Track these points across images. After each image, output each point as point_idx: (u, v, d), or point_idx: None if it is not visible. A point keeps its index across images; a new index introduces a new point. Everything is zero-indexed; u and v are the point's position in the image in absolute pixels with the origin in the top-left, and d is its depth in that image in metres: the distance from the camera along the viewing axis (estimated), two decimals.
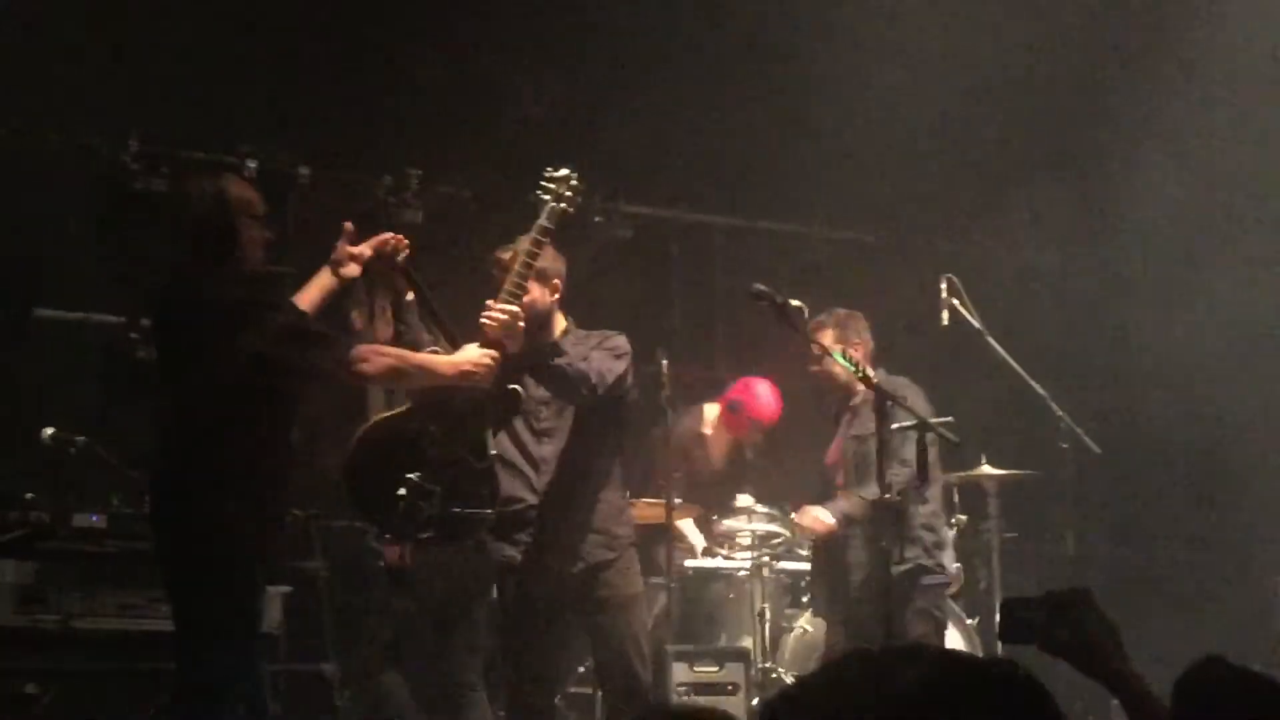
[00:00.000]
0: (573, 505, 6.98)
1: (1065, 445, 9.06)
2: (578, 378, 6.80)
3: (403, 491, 6.29)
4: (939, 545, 8.24)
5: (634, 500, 8.15)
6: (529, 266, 6.67)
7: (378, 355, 6.26)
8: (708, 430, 9.98)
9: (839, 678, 1.64)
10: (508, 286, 6.59)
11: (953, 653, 1.63)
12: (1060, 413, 8.92)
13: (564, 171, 6.89)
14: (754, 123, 11.04)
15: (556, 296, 7.07)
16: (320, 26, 10.20)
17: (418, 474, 6.32)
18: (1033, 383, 8.69)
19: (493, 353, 6.38)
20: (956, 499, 9.57)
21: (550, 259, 7.03)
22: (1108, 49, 10.84)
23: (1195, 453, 11.90)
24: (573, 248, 11.07)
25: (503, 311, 6.48)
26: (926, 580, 8.16)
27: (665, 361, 8.06)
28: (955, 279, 8.50)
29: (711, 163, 11.34)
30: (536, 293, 6.93)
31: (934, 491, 8.11)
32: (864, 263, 11.96)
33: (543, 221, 6.75)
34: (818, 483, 8.68)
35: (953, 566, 9.35)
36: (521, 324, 6.56)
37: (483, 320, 6.47)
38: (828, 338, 8.06)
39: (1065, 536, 9.64)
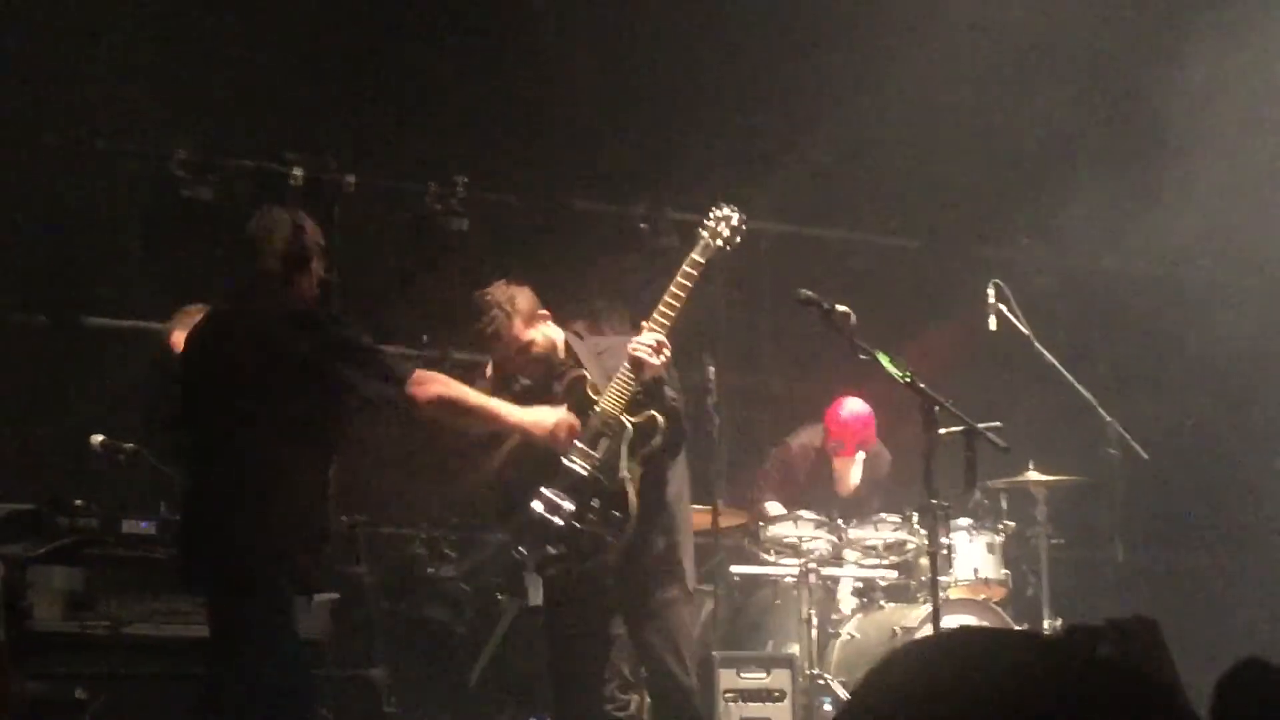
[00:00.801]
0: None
1: (1114, 451, 9.02)
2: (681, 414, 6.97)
3: (535, 505, 6.55)
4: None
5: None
6: (679, 297, 6.81)
7: (434, 382, 6.22)
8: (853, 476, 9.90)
9: (932, 665, 1.60)
10: (657, 316, 6.76)
11: (1067, 646, 1.59)
12: (1109, 418, 8.88)
13: (728, 210, 7.07)
14: (800, 129, 11.02)
15: (536, 326, 7.10)
16: (366, 34, 10.25)
17: (552, 490, 6.56)
18: (1080, 388, 8.66)
19: (573, 420, 6.55)
20: (1004, 505, 9.54)
21: (525, 298, 7.14)
22: (1156, 48, 10.76)
23: (1244, 457, 11.83)
24: (622, 256, 11.16)
25: (654, 340, 6.68)
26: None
27: (712, 367, 8.05)
28: (1002, 284, 8.47)
29: (758, 169, 11.32)
30: (537, 337, 7.07)
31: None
32: (910, 268, 11.94)
33: (695, 255, 6.90)
34: None
35: (1001, 572, 9.34)
36: (667, 352, 6.72)
37: (632, 349, 6.67)
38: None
39: (1114, 542, 9.59)
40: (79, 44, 9.43)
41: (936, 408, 6.73)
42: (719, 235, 6.95)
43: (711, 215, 7.07)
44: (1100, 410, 8.81)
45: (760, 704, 8.40)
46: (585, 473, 6.63)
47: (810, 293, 6.94)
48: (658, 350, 6.69)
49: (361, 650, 8.26)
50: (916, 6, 10.24)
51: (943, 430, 6.79)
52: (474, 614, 10.17)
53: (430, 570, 9.62)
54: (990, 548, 9.36)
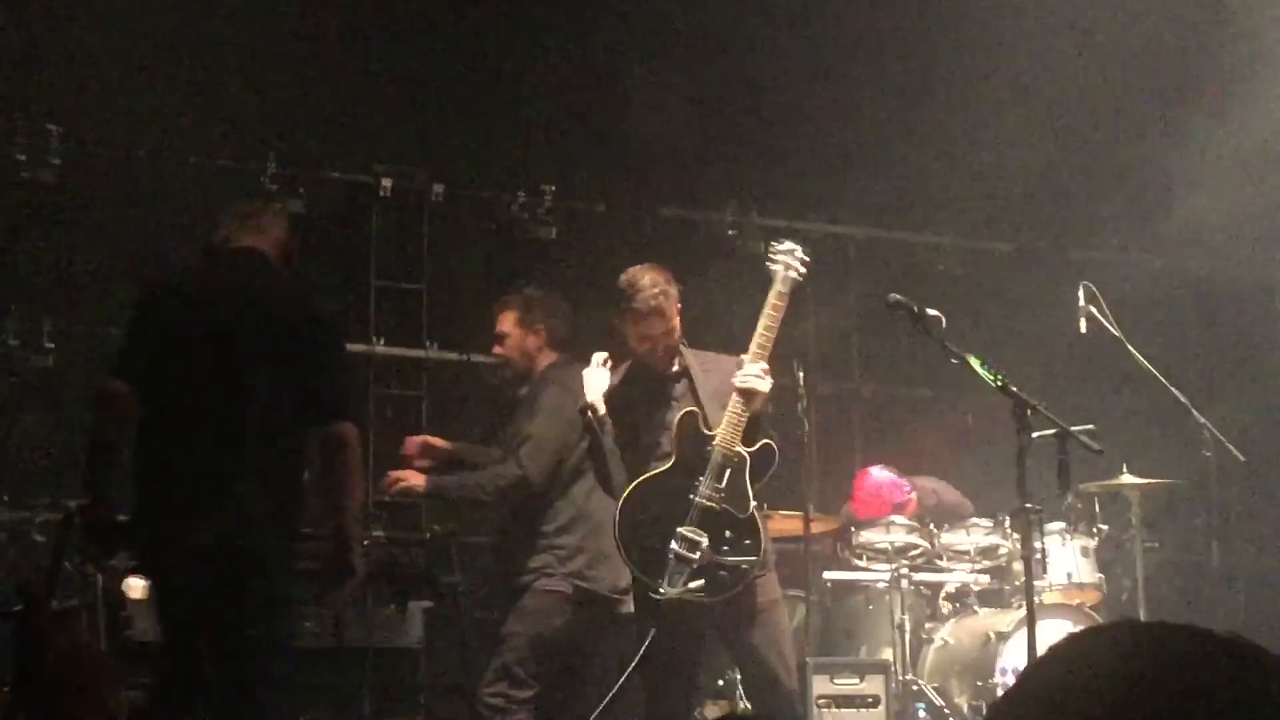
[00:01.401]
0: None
1: (1208, 453, 8.94)
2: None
3: (674, 545, 6.66)
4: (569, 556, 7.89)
5: (771, 513, 8.24)
6: (770, 329, 6.94)
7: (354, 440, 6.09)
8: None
9: (1100, 655, 1.58)
10: (755, 348, 6.89)
11: (1239, 642, 1.56)
12: (1203, 420, 8.79)
13: (789, 244, 7.17)
14: (887, 132, 10.99)
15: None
16: (452, 44, 10.30)
17: (687, 528, 6.69)
18: (1174, 390, 8.57)
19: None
20: (1098, 508, 9.47)
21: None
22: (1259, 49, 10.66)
23: None
24: (709, 262, 11.16)
25: (760, 369, 6.83)
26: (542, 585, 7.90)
27: (801, 373, 8.03)
28: (1092, 286, 8.41)
29: (845, 173, 11.30)
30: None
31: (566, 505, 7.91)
32: (1000, 272, 11.88)
33: (779, 287, 6.99)
34: None
35: (1096, 577, 9.27)
36: (770, 381, 6.88)
37: (741, 382, 6.80)
38: (508, 320, 8.11)
39: (1209, 545, 9.51)
40: (169, 58, 9.53)
41: (1029, 411, 6.68)
42: (791, 268, 7.02)
43: (776, 252, 7.13)
44: (1194, 412, 8.73)
45: (854, 710, 8.37)
46: (716, 507, 6.77)
47: (901, 297, 6.92)
48: (764, 377, 6.83)
49: (455, 658, 8.30)
50: (1008, 6, 10.17)
51: (1036, 434, 6.75)
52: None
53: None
54: (1084, 552, 9.30)
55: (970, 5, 10.13)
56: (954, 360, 6.93)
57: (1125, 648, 1.55)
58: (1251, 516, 11.02)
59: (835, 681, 8.45)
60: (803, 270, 7.05)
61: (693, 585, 6.67)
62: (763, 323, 6.95)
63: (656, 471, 6.87)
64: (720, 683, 9.18)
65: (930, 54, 10.54)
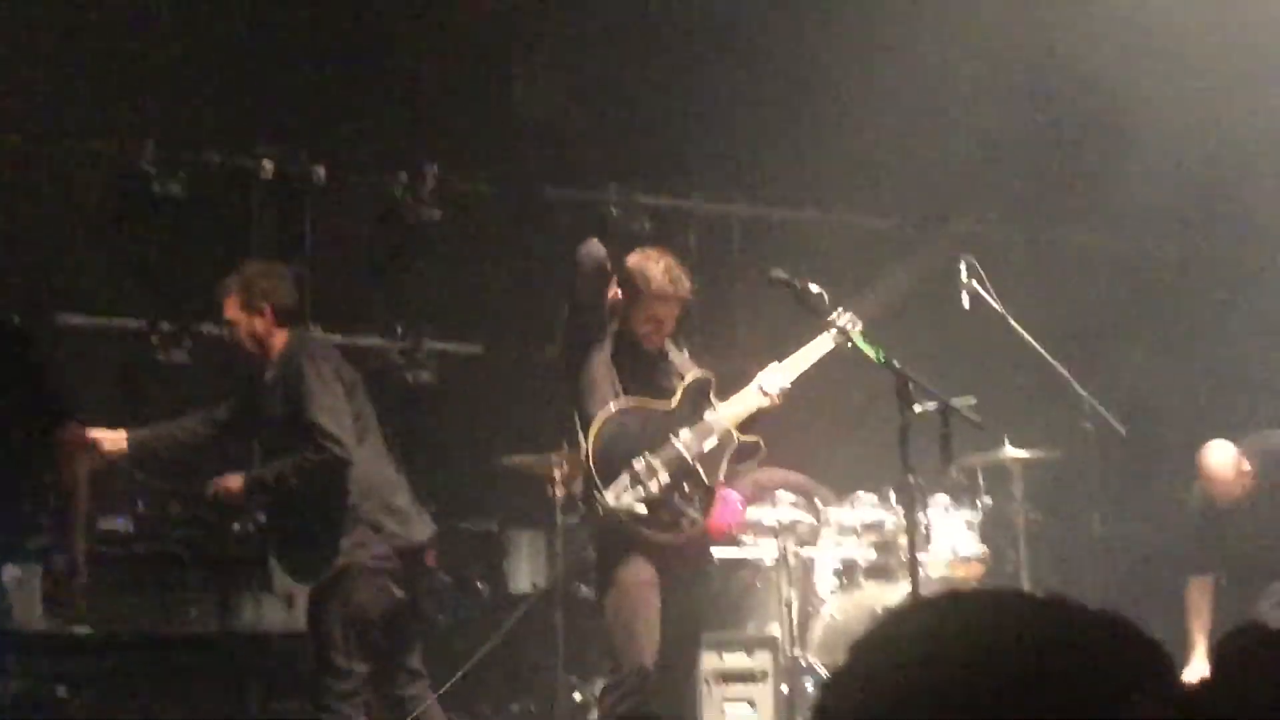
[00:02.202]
0: None
1: (1089, 426, 9.03)
2: None
3: (635, 463, 6.95)
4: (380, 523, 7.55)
5: None
6: (806, 361, 7.35)
7: None
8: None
9: (920, 622, 1.59)
10: (791, 362, 7.35)
11: (1051, 603, 1.58)
12: (1084, 393, 8.88)
13: (848, 314, 7.26)
14: (770, 111, 11.02)
15: None
16: (333, 25, 10.21)
17: (655, 457, 6.95)
18: (1055, 364, 8.65)
19: None
20: (981, 482, 9.56)
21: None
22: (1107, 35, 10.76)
23: (1218, 430, 11.87)
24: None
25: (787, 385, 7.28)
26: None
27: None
28: (974, 261, 8.46)
29: (729, 152, 11.32)
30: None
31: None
32: (883, 248, 11.94)
33: (826, 343, 7.27)
34: None
35: (979, 549, 9.36)
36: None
37: (767, 386, 7.27)
38: (232, 306, 7.63)
39: (1091, 517, 9.62)
40: (45, 41, 9.39)
41: (911, 385, 6.73)
42: (845, 334, 7.17)
43: (836, 316, 7.24)
44: (1075, 385, 8.81)
45: (742, 685, 8.42)
46: (689, 459, 7.08)
47: (783, 273, 6.97)
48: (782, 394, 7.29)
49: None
50: None
51: (918, 408, 6.80)
52: (455, 603, 10.19)
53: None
54: (968, 525, 9.38)
55: None
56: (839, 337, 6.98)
57: (943, 618, 1.57)
58: (1131, 487, 11.15)
59: (724, 657, 8.48)
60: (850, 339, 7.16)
61: (636, 507, 6.90)
62: (804, 351, 7.31)
63: (653, 404, 7.18)
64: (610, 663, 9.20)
65: (814, 32, 10.56)
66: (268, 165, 10.29)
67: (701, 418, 7.19)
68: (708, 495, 7.13)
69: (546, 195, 11.39)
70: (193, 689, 7.56)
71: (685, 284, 7.29)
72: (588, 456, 7.00)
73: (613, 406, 7.06)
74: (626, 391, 7.19)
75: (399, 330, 10.62)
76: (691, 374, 7.34)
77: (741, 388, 7.46)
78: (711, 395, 7.30)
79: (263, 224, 10.42)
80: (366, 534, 7.30)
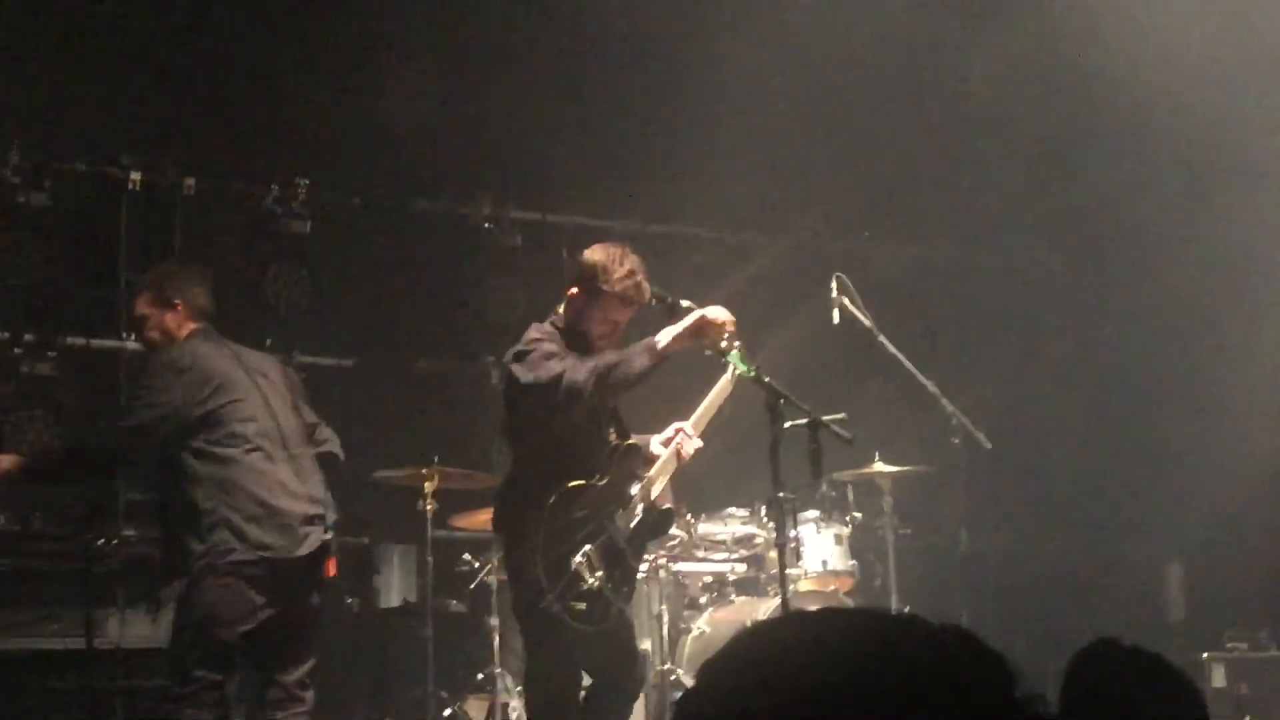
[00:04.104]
0: None
1: (957, 441, 9.11)
2: None
3: (578, 560, 6.65)
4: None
5: None
6: (712, 409, 7.15)
7: None
8: None
9: (770, 643, 1.61)
10: (697, 420, 7.13)
11: (901, 622, 1.60)
12: (951, 408, 8.96)
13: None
14: (644, 126, 11.04)
15: None
16: (203, 34, 10.10)
17: (594, 549, 6.71)
18: (924, 379, 8.72)
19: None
20: (851, 496, 9.63)
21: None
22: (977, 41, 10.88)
23: (1085, 445, 12.04)
24: (460, 256, 11.14)
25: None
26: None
27: None
28: (845, 277, 8.51)
29: (600, 166, 11.33)
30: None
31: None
32: (754, 264, 12.00)
33: (728, 377, 7.09)
34: None
35: (849, 564, 9.42)
36: None
37: (686, 451, 7.06)
38: (143, 303, 7.51)
39: (959, 531, 9.71)
40: None
41: (782, 400, 6.76)
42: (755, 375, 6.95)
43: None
44: (943, 401, 8.89)
45: None
46: (621, 545, 6.87)
47: (655, 288, 6.95)
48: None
49: None
50: (765, 6, 10.26)
51: (788, 423, 6.82)
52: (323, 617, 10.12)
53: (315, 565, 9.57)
54: (838, 539, 9.45)
55: (713, 12, 10.24)
56: (709, 351, 6.99)
57: (787, 639, 1.59)
58: (998, 502, 11.27)
59: None
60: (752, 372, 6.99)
61: (577, 605, 6.65)
62: (708, 401, 7.10)
63: (585, 484, 6.80)
64: (480, 676, 9.17)
65: (685, 49, 10.59)
66: (135, 176, 10.18)
67: (630, 493, 6.94)
68: (632, 579, 7.00)
69: (418, 208, 11.35)
70: (58, 704, 7.44)
71: (647, 288, 6.92)
72: (535, 550, 6.72)
73: (555, 496, 6.70)
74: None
75: (268, 343, 10.52)
76: (625, 444, 7.02)
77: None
78: (639, 465, 7.01)
79: (131, 235, 10.28)
80: (224, 537, 7.00)
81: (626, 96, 10.97)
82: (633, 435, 7.12)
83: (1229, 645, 10.14)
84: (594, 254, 6.96)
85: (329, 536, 7.33)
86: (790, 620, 1.63)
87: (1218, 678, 9.84)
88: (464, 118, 10.84)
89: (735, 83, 10.29)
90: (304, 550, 7.18)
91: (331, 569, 7.45)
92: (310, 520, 7.22)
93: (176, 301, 7.45)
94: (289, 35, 10.30)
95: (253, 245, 10.73)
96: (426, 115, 10.57)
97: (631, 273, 6.86)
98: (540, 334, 6.89)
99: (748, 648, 1.60)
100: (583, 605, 6.67)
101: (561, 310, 7.08)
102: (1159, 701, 2.67)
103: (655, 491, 6.99)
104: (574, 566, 6.64)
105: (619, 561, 6.84)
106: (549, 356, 6.68)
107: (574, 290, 6.98)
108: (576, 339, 6.91)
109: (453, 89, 10.62)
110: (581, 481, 6.80)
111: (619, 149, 11.21)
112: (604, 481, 6.86)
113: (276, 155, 10.66)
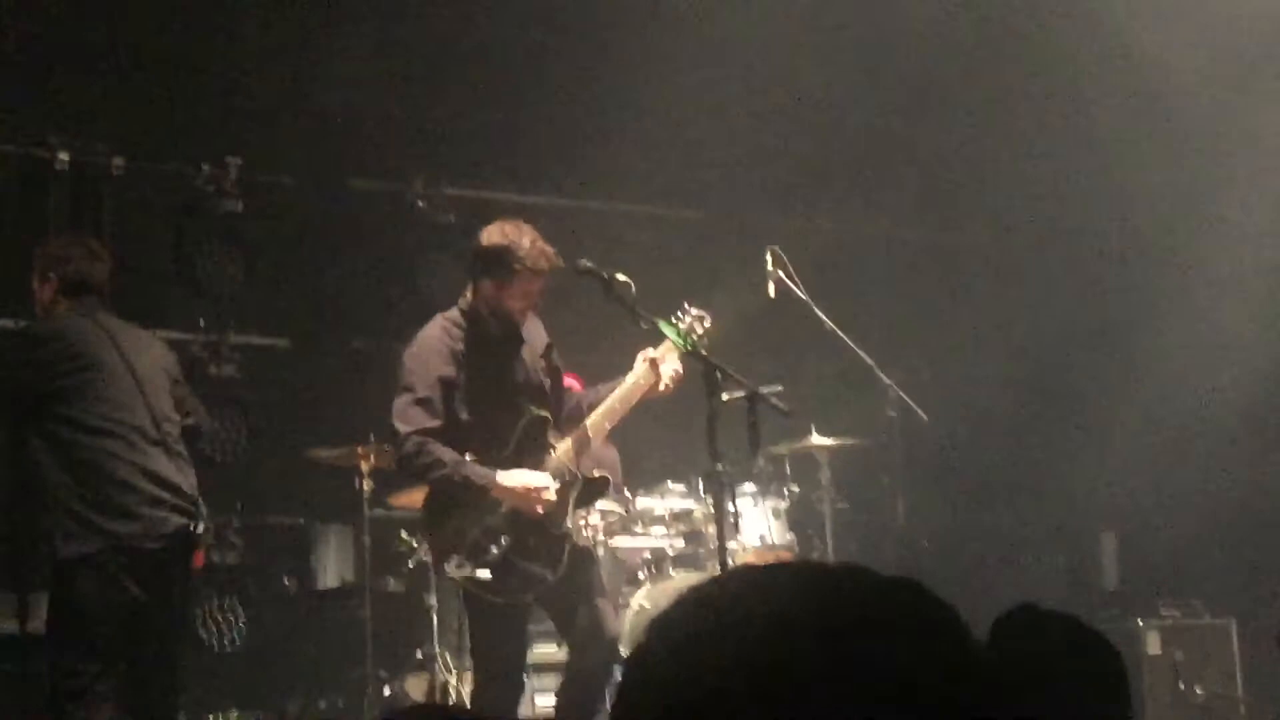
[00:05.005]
0: None
1: (893, 413, 9.14)
2: None
3: (475, 531, 6.79)
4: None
5: None
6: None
7: None
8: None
9: (719, 594, 1.60)
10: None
11: (848, 568, 1.60)
12: (888, 381, 8.98)
13: (700, 312, 7.35)
14: (575, 102, 11.02)
15: None
16: (131, 14, 10.00)
17: (492, 519, 6.82)
18: (860, 352, 8.72)
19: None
20: (789, 470, 9.64)
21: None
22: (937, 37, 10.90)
23: (1020, 416, 12.10)
24: (395, 234, 11.09)
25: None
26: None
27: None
28: (779, 250, 8.51)
29: (534, 143, 11.31)
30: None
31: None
32: (690, 239, 12.01)
33: (638, 375, 7.24)
34: None
35: (787, 537, 9.44)
36: None
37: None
38: (34, 275, 7.37)
39: (896, 505, 9.74)
40: None
41: (718, 373, 6.76)
42: (690, 334, 7.21)
43: (686, 313, 7.37)
44: (879, 373, 8.90)
45: (554, 675, 8.38)
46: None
47: (590, 263, 6.95)
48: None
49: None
50: None
51: (725, 396, 6.83)
52: (256, 597, 10.09)
53: (215, 559, 9.51)
54: (776, 513, 9.46)
55: None
56: (645, 326, 6.99)
57: (738, 589, 1.58)
58: (934, 474, 11.31)
59: (534, 648, 8.46)
60: (701, 339, 7.21)
61: (479, 574, 6.76)
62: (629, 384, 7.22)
63: (485, 456, 6.92)
64: (419, 655, 9.15)
65: (619, 24, 10.56)
66: (63, 156, 10.08)
67: (541, 463, 7.03)
68: (558, 544, 6.98)
69: (350, 186, 11.30)
70: None
71: (553, 252, 7.06)
72: (432, 523, 6.99)
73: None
74: (479, 383, 7.07)
75: (202, 323, 10.46)
76: (532, 416, 7.11)
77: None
78: (549, 435, 7.13)
79: (59, 215, 10.18)
80: (71, 525, 6.79)
81: (559, 73, 10.94)
82: (579, 390, 7.26)
83: (1163, 613, 10.22)
84: (493, 237, 7.09)
85: (199, 529, 7.05)
86: (739, 572, 1.62)
87: (1152, 644, 9.91)
88: (396, 95, 10.79)
89: (669, 57, 10.26)
90: (156, 541, 6.90)
91: (199, 560, 7.23)
92: (170, 508, 6.95)
93: (50, 274, 7.29)
94: (220, 13, 10.22)
95: (184, 225, 10.65)
96: (358, 93, 10.52)
97: (534, 242, 7.02)
98: (436, 338, 7.11)
99: (698, 600, 1.59)
100: (486, 574, 6.78)
101: (470, 296, 7.19)
102: (1079, 662, 2.72)
103: (571, 456, 7.10)
104: (470, 537, 6.80)
105: (534, 530, 6.91)
106: (416, 402, 6.93)
107: (484, 279, 7.09)
108: (499, 322, 7.14)
109: (384, 66, 10.56)
110: (480, 454, 6.92)
111: (552, 125, 11.19)
112: (507, 452, 6.97)
113: (207, 134, 10.58)
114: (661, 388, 7.19)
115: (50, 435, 6.86)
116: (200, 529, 7.06)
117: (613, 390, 7.27)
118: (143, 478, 6.90)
